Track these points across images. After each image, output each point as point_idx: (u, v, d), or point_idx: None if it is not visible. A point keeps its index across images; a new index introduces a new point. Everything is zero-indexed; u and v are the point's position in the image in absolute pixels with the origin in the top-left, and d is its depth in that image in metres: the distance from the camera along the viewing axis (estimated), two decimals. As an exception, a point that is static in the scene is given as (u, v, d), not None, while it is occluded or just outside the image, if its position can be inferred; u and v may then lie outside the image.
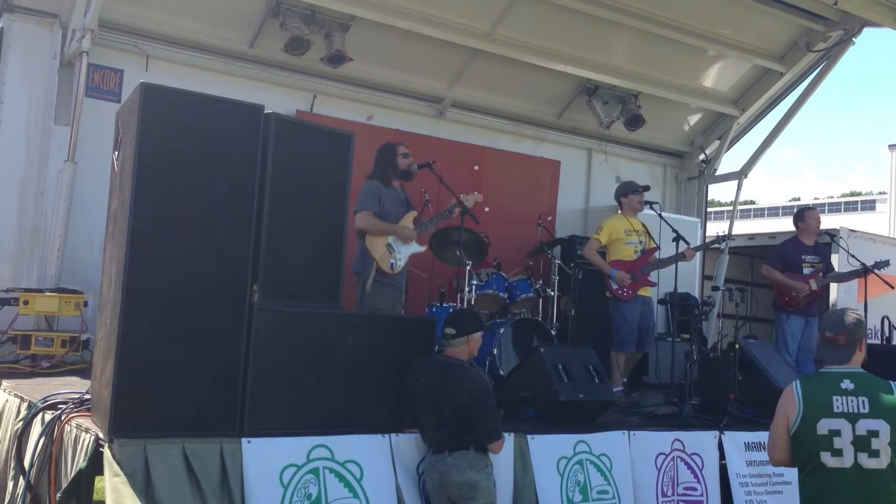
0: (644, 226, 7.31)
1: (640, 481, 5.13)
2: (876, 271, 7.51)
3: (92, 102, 7.14)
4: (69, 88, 7.06)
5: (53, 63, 7.20)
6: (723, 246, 8.65)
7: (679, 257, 6.81)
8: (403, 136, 8.22)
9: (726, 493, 5.42)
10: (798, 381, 3.67)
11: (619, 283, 7.01)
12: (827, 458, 3.47)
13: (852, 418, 3.46)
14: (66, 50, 7.13)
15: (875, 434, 3.44)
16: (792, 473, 5.61)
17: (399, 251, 6.15)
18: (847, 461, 3.45)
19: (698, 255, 8.05)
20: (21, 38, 7.16)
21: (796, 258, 7.76)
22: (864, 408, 3.48)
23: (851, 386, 3.53)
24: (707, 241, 8.14)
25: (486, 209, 8.24)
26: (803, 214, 8.01)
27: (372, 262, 6.04)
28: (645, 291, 7.16)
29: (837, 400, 3.51)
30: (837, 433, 3.46)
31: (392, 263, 6.07)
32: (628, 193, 7.33)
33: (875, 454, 3.44)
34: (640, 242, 7.18)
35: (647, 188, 7.43)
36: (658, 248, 7.27)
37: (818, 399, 3.53)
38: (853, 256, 7.77)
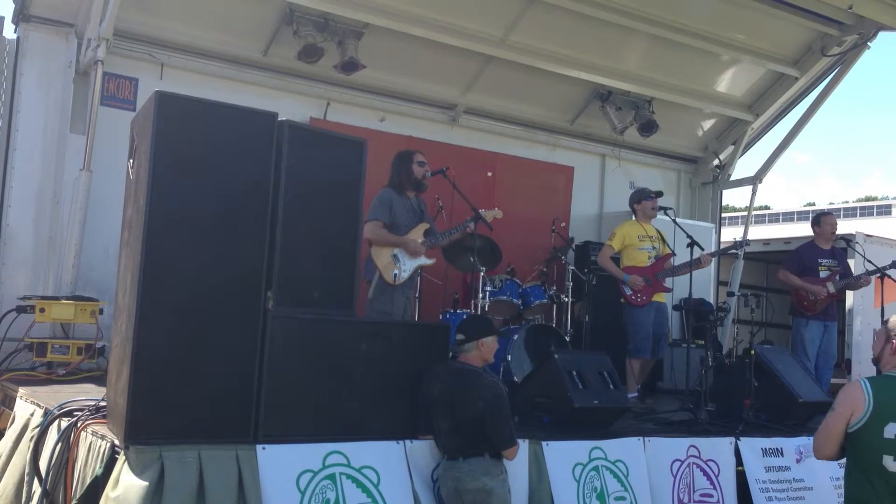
0: (659, 232, 7.28)
1: (657, 488, 5.10)
2: (889, 272, 7.46)
3: (107, 111, 7.19)
4: (84, 97, 7.11)
5: (69, 72, 7.27)
6: (740, 251, 8.62)
7: (695, 263, 6.76)
8: (416, 142, 8.24)
9: (745, 500, 5.38)
10: (867, 380, 3.64)
11: (632, 288, 6.99)
12: (889, 462, 3.46)
13: None
14: (81, 59, 7.19)
15: None
16: (814, 479, 5.61)
17: (404, 263, 6.13)
18: None
19: (713, 260, 8.01)
20: (37, 47, 7.24)
21: (813, 262, 7.77)
22: None
23: None
24: (723, 246, 8.14)
25: (499, 217, 8.23)
26: (820, 219, 8.05)
27: (376, 270, 6.04)
28: (660, 297, 7.13)
29: None
30: None
31: (395, 274, 6.05)
32: (641, 200, 7.32)
33: None
34: (654, 248, 7.16)
35: (659, 194, 7.41)
36: (673, 254, 7.23)
37: (888, 401, 3.52)
38: (869, 261, 7.73)
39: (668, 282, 7.20)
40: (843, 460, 3.73)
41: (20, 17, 7.22)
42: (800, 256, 7.91)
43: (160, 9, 7.55)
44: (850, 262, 8.32)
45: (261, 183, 4.06)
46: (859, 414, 3.53)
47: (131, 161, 4.25)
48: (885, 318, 4.04)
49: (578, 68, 9.14)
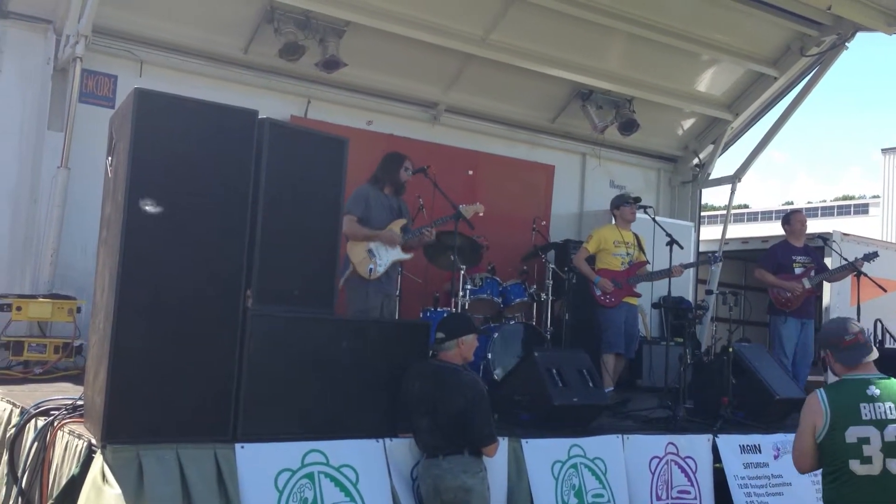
0: (637, 238, 7.36)
1: (635, 485, 5.13)
2: (864, 269, 7.53)
3: (86, 108, 7.14)
4: (63, 94, 7.05)
5: (47, 69, 7.20)
6: (713, 266, 8.67)
7: (667, 273, 6.86)
8: (398, 140, 8.24)
9: (724, 497, 5.42)
10: (823, 390, 3.66)
11: (602, 290, 7.08)
12: (856, 466, 3.49)
13: (880, 425, 3.49)
14: (59, 56, 7.13)
15: None
16: (792, 475, 5.65)
17: (380, 257, 6.12)
18: (876, 468, 3.47)
19: (691, 258, 8.08)
20: (15, 44, 7.17)
21: (787, 259, 7.83)
22: (891, 413, 3.51)
23: (877, 392, 3.57)
24: (700, 259, 8.21)
25: (481, 214, 8.24)
26: (789, 217, 8.15)
27: (349, 265, 6.04)
28: (631, 300, 7.21)
29: (865, 407, 3.53)
30: (866, 440, 3.48)
31: (371, 269, 6.05)
32: (620, 206, 7.41)
33: None
34: (629, 255, 7.25)
35: (637, 199, 7.47)
36: (647, 262, 7.32)
37: (845, 407, 3.54)
38: (846, 260, 7.80)
39: (636, 288, 7.27)
40: None
41: (-2, 13, 7.16)
42: (774, 255, 7.99)
43: (140, 5, 7.50)
44: (827, 260, 8.39)
45: (241, 181, 4.05)
46: (820, 425, 3.56)
47: (110, 159, 4.23)
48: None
49: (559, 67, 9.17)
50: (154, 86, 4.30)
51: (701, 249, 10.93)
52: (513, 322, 7.45)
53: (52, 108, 7.16)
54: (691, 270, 10.18)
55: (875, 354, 3.73)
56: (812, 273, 7.76)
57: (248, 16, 7.90)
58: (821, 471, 3.70)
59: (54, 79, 7.19)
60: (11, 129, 7.12)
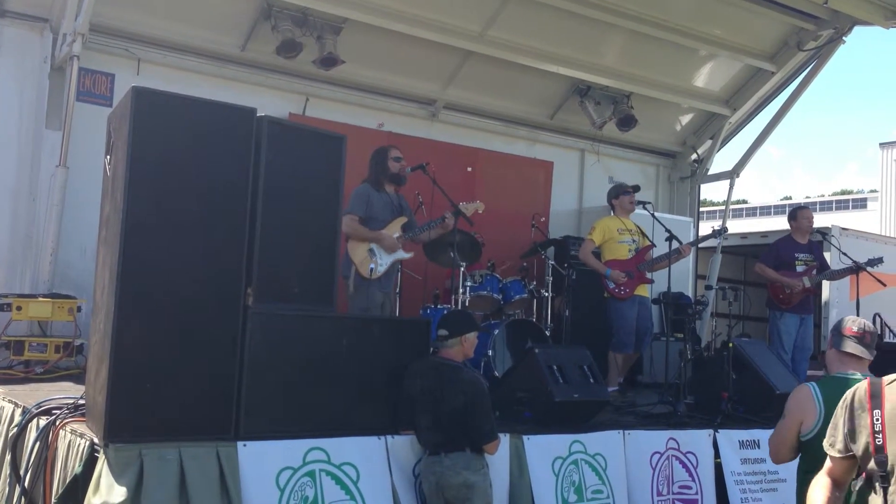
0: (637, 226, 7.33)
1: (635, 480, 5.15)
2: (869, 269, 7.54)
3: (83, 107, 7.12)
4: (60, 93, 7.03)
5: (44, 67, 7.17)
6: (720, 239, 8.69)
7: (675, 253, 6.81)
8: (396, 138, 8.23)
9: (721, 492, 5.44)
10: (816, 386, 3.54)
11: (615, 282, 7.02)
12: None
13: None
14: (56, 54, 7.11)
15: None
16: (787, 471, 5.65)
17: (381, 257, 6.15)
18: None
19: (692, 252, 8.06)
20: (12, 42, 7.15)
21: (789, 256, 7.82)
22: None
23: None
24: (702, 236, 8.22)
25: (480, 211, 8.22)
26: (796, 213, 8.11)
27: (352, 265, 6.05)
28: (642, 290, 7.17)
29: None
30: None
31: (372, 269, 6.07)
32: (619, 195, 7.37)
33: None
34: (634, 241, 7.21)
35: (636, 188, 7.46)
36: (653, 245, 7.28)
37: None
38: (844, 254, 7.81)
39: (648, 274, 7.25)
40: None
41: (-6, 12, 7.14)
42: (776, 250, 7.97)
43: (136, 3, 7.48)
44: (826, 255, 8.41)
45: (240, 179, 4.05)
46: (811, 423, 3.44)
47: (108, 157, 4.22)
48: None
49: (557, 63, 9.16)
50: (151, 84, 4.30)
51: (700, 246, 10.93)
52: (513, 319, 7.45)
53: (50, 106, 7.14)
54: (691, 266, 10.19)
55: (870, 357, 3.62)
56: (813, 272, 7.75)
57: (246, 13, 7.89)
58: (798, 467, 3.59)
59: (51, 77, 7.17)
60: (9, 128, 7.11)
